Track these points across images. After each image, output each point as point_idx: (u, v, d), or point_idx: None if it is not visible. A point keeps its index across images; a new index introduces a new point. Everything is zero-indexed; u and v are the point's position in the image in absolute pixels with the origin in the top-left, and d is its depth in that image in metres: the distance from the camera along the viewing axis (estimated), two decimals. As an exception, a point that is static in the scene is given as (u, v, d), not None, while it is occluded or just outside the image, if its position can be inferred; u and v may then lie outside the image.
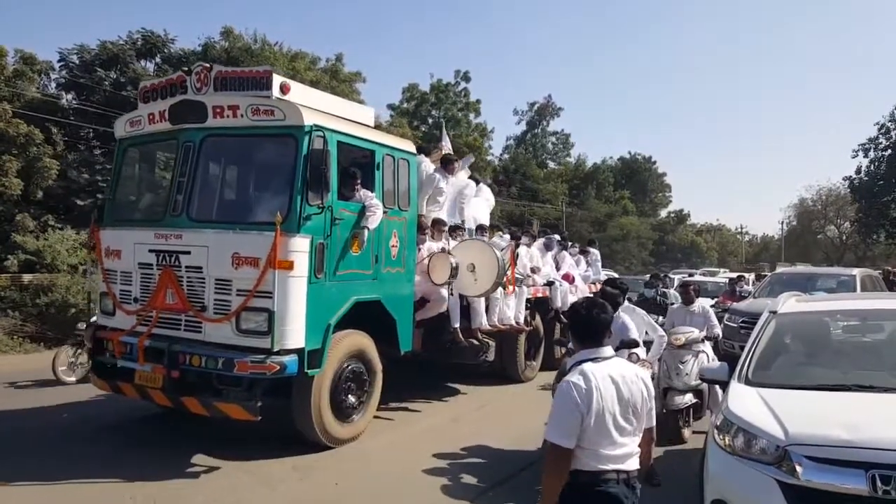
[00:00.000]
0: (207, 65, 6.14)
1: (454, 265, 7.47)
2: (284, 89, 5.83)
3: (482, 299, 8.15)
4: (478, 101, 46.41)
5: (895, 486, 3.18)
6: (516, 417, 7.69)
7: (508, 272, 8.31)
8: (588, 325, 2.77)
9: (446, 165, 8.41)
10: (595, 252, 12.86)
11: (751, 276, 22.26)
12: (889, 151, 39.67)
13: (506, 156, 56.91)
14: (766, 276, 16.63)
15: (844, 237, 59.27)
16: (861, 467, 3.26)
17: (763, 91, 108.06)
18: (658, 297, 10.30)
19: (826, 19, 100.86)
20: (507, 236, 9.38)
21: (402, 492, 5.27)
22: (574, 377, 2.62)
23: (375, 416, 6.90)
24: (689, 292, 7.65)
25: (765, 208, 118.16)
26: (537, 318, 10.02)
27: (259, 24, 72.53)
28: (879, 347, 5.01)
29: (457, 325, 7.83)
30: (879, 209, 40.33)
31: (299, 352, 5.51)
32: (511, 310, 8.76)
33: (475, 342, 8.13)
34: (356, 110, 6.85)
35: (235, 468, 5.57)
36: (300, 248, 5.52)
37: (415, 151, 7.29)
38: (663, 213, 64.69)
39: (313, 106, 6.04)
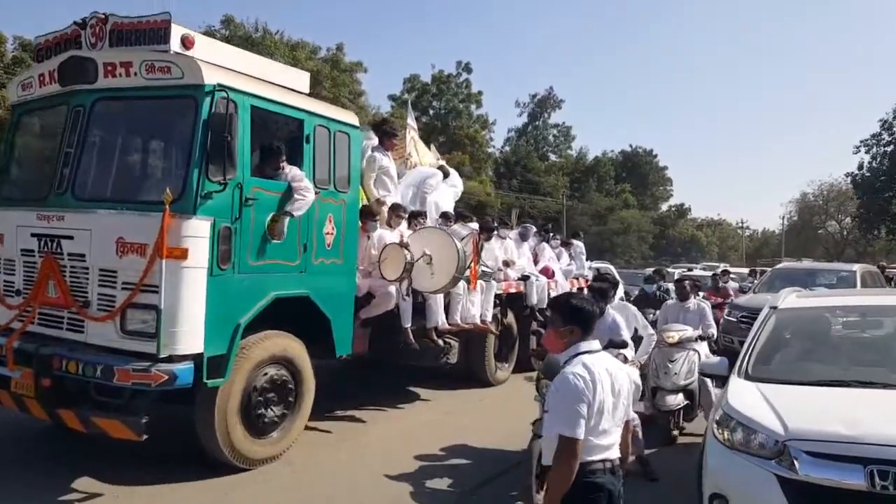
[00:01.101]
0: (102, 15, 5.16)
1: (409, 260, 6.53)
2: (187, 43, 4.84)
3: (440, 295, 7.20)
4: (479, 93, 45.62)
5: (893, 481, 3.17)
6: (503, 418, 7.02)
7: (471, 265, 7.37)
8: (592, 319, 2.80)
9: (384, 141, 7.41)
10: (579, 244, 11.88)
11: (739, 271, 21.80)
12: (892, 147, 39.14)
13: (507, 148, 56.14)
14: (765, 271, 16.25)
15: (845, 232, 58.59)
16: (860, 462, 3.25)
17: (763, 90, 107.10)
18: (659, 294, 9.78)
19: (826, 19, 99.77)
20: (475, 224, 8.39)
21: (383, 493, 4.96)
22: (577, 368, 2.62)
23: (310, 428, 6.02)
24: (684, 288, 7.03)
25: (765, 203, 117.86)
26: (510, 315, 9.08)
27: (260, 14, 71.24)
28: (879, 343, 4.98)
29: (408, 325, 6.86)
30: (881, 205, 40.15)
31: (196, 358, 4.58)
32: (476, 307, 7.78)
33: (431, 343, 7.20)
34: (285, 74, 5.84)
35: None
36: (197, 232, 4.56)
37: (357, 124, 6.29)
38: (664, 207, 64.05)
39: (225, 64, 5.06)
